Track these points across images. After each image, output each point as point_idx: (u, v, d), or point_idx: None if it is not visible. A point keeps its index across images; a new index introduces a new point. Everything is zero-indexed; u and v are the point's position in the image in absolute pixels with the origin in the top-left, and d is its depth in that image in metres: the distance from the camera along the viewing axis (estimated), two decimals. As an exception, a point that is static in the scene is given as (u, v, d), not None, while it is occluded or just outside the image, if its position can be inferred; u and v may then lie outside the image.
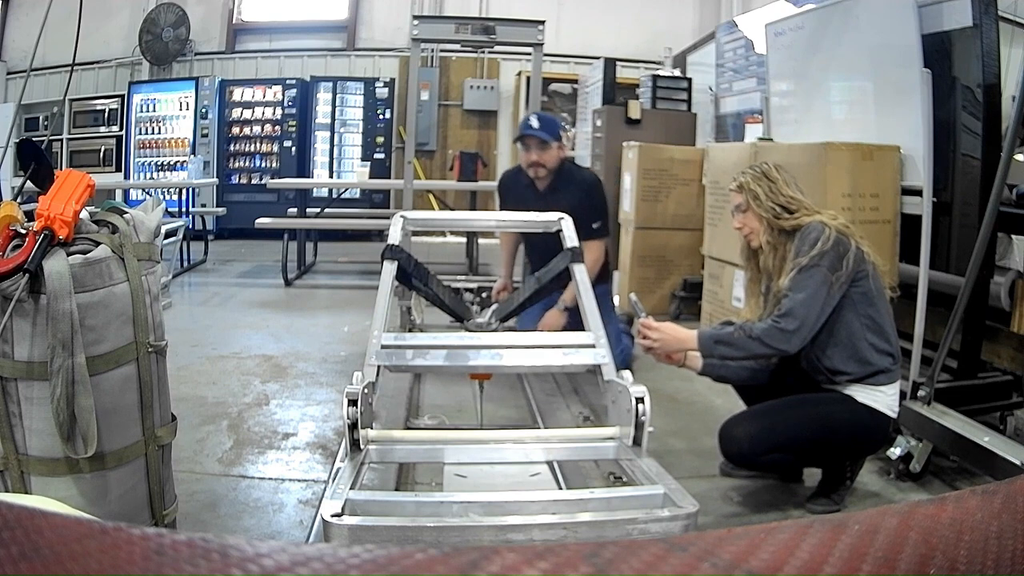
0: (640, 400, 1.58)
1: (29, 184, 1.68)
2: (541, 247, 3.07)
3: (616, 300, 4.48)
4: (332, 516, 1.24)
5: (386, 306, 1.96)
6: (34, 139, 2.33)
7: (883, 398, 2.13)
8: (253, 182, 8.25)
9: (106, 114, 8.37)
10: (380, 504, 1.37)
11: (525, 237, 3.46)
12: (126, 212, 1.69)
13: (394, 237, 2.24)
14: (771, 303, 2.19)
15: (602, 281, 3.47)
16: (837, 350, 2.11)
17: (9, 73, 8.72)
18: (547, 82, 7.56)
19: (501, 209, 3.60)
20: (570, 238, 2.30)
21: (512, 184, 3.48)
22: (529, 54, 4.08)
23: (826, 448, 2.15)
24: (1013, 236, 2.85)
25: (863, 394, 2.12)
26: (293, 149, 8.31)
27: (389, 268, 2.10)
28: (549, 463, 1.73)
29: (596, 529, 1.28)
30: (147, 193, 6.55)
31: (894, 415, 2.17)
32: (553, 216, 2.44)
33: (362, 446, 1.57)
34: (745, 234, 2.24)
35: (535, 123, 3.24)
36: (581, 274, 2.15)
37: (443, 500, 1.39)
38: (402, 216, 2.40)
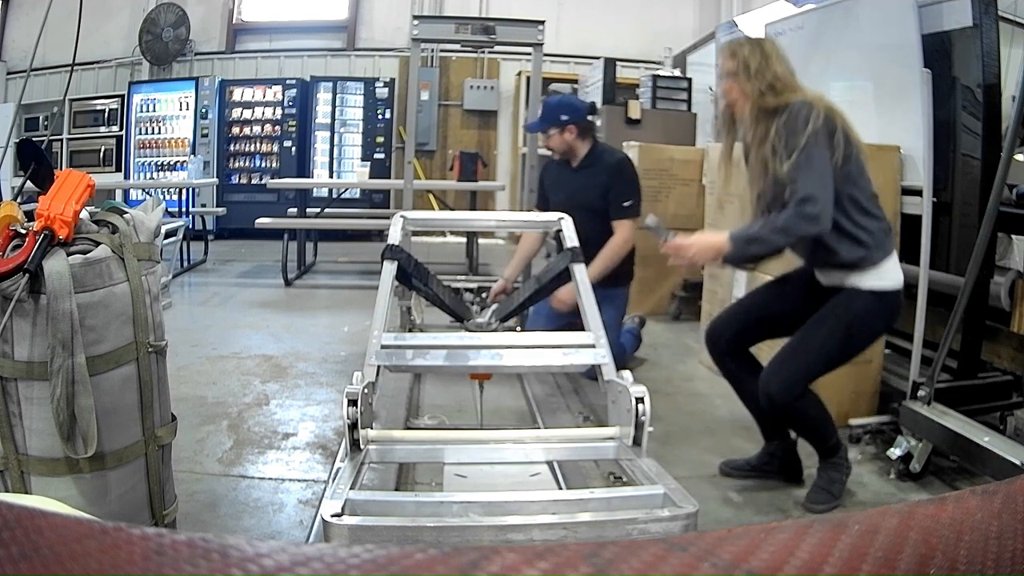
0: (640, 400, 1.57)
1: (29, 184, 1.68)
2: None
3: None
4: (332, 516, 1.24)
5: (386, 306, 1.96)
6: (34, 139, 2.33)
7: (885, 275, 2.14)
8: (253, 182, 8.24)
9: (106, 114, 8.36)
10: (380, 504, 1.37)
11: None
12: (126, 212, 1.69)
13: (394, 237, 2.24)
14: (768, 193, 2.16)
15: (623, 283, 3.50)
16: (828, 234, 2.10)
17: (9, 73, 8.71)
18: (547, 82, 7.54)
19: (539, 193, 3.68)
20: (570, 238, 2.29)
21: (551, 166, 3.66)
22: (529, 54, 4.07)
23: (854, 350, 2.22)
24: (1013, 236, 2.85)
25: (864, 279, 2.13)
26: (293, 149, 8.30)
27: (389, 268, 2.10)
28: (549, 463, 1.72)
29: (596, 529, 1.27)
30: (147, 193, 6.55)
31: (901, 285, 2.18)
32: (553, 216, 2.44)
33: (362, 446, 1.57)
34: (730, 100, 2.23)
35: (534, 116, 3.53)
36: (581, 274, 2.15)
37: (443, 500, 1.39)
38: (402, 216, 2.39)
